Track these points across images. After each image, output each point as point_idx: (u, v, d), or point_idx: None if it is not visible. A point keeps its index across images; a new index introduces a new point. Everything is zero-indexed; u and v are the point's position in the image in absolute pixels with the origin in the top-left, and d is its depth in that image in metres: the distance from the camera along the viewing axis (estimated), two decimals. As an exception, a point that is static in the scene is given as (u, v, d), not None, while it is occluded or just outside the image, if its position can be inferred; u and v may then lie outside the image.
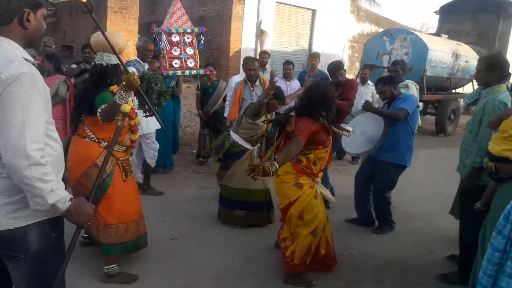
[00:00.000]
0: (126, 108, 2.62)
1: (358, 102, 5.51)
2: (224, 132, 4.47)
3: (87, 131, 2.99)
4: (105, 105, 2.81)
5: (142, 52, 4.75)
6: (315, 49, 11.49)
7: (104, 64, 3.02)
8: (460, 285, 3.22)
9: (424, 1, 48.49)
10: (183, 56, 4.99)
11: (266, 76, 6.57)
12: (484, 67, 3.19)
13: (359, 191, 4.41)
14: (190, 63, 5.05)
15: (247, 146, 4.14)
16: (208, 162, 5.37)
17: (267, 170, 2.63)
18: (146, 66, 4.81)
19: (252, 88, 5.05)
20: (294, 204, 3.17)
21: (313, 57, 7.08)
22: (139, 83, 2.73)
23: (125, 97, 2.70)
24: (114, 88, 2.97)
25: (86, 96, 3.00)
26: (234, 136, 4.14)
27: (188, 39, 5.03)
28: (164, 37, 4.89)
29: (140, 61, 4.74)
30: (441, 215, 4.56)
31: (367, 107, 4.10)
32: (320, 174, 3.38)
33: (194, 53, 5.10)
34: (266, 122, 4.09)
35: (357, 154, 4.31)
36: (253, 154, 4.18)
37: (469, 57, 11.28)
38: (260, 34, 10.58)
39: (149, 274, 3.19)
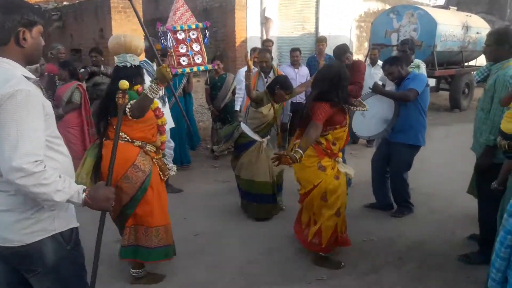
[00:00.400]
0: (124, 85, 2.41)
1: (369, 83, 5.46)
2: (235, 123, 4.49)
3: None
4: (134, 101, 2.76)
5: (149, 53, 4.78)
6: (321, 32, 11.34)
7: (128, 65, 2.96)
8: (483, 265, 3.23)
9: (430, -29, 47.10)
10: (190, 53, 4.99)
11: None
12: (493, 42, 3.13)
13: (376, 175, 4.41)
14: (198, 59, 5.05)
15: (256, 137, 4.14)
16: (216, 149, 5.44)
17: (293, 158, 2.81)
18: (155, 66, 4.83)
19: (266, 79, 5.05)
20: (317, 186, 3.22)
21: (320, 41, 6.99)
22: (171, 75, 2.74)
23: (156, 91, 2.68)
24: (138, 87, 2.96)
25: (111, 98, 2.84)
26: (243, 127, 4.18)
27: (193, 35, 5.02)
28: (169, 35, 4.89)
29: (148, 61, 4.77)
30: (461, 195, 4.51)
31: (375, 89, 4.07)
32: (340, 154, 3.43)
33: (200, 48, 5.10)
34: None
35: (369, 137, 4.31)
36: (262, 146, 4.17)
37: (480, 28, 11.02)
38: (265, 21, 10.48)
39: (175, 273, 3.26)
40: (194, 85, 9.99)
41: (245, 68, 5.74)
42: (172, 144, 5.03)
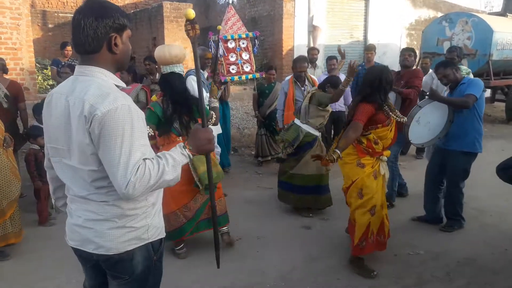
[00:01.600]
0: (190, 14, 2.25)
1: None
2: (293, 125, 4.56)
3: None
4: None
5: (201, 61, 4.96)
6: (370, 40, 11.20)
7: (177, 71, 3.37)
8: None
9: (487, -23, 45.06)
10: (239, 62, 5.14)
11: (317, 73, 6.56)
12: None
13: (429, 186, 4.28)
14: (246, 68, 5.19)
15: (317, 133, 4.47)
16: (281, 155, 5.63)
17: (331, 159, 3.04)
18: (206, 74, 5.01)
19: (303, 88, 5.10)
20: (354, 182, 3.33)
21: (368, 50, 6.88)
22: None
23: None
24: (154, 97, 3.28)
25: (188, 100, 3.42)
26: (305, 127, 4.40)
27: (243, 44, 5.16)
28: (221, 44, 5.06)
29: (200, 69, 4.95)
30: (516, 211, 4.32)
31: (433, 95, 3.95)
32: (386, 153, 3.46)
33: (249, 57, 5.23)
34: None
35: (422, 145, 4.20)
36: (320, 140, 4.53)
37: (541, 35, 10.41)
38: (313, 29, 10.51)
39: (217, 275, 3.32)
40: (240, 93, 10.20)
41: (288, 78, 5.83)
42: (219, 149, 5.17)
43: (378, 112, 3.24)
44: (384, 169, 3.41)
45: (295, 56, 10.35)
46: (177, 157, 1.60)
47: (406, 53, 4.93)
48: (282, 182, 4.67)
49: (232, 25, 5.08)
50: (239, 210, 4.71)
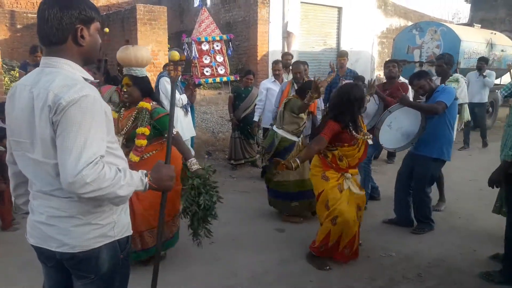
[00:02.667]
0: (175, 55, 2.35)
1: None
2: (270, 133, 4.59)
3: None
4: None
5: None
6: (343, 47, 11.40)
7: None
8: (505, 285, 3.15)
9: (454, -10, 46.86)
10: (214, 64, 5.11)
11: (290, 77, 6.58)
12: None
13: (399, 189, 4.34)
14: (221, 70, 5.16)
15: (295, 138, 4.39)
16: (262, 163, 5.60)
17: (288, 165, 3.11)
18: (179, 77, 4.96)
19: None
20: (321, 194, 3.45)
21: (341, 56, 6.99)
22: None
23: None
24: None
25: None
26: (281, 132, 4.38)
27: (217, 46, 5.14)
28: (194, 46, 5.02)
29: (172, 71, 4.90)
30: (483, 213, 4.44)
31: (404, 100, 4.02)
32: (352, 171, 3.49)
33: (224, 60, 5.21)
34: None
35: (394, 150, 4.27)
36: (299, 144, 4.42)
37: (505, 46, 10.88)
38: (287, 35, 10.61)
39: (190, 279, 3.28)
40: (214, 97, 10.16)
41: (267, 81, 5.83)
42: (192, 152, 5.09)
43: (344, 131, 3.32)
44: (347, 185, 3.43)
45: (270, 61, 10.43)
46: (135, 178, 1.54)
47: (390, 65, 4.96)
48: (270, 189, 4.59)
49: (205, 27, 5.05)
50: (212, 214, 4.65)
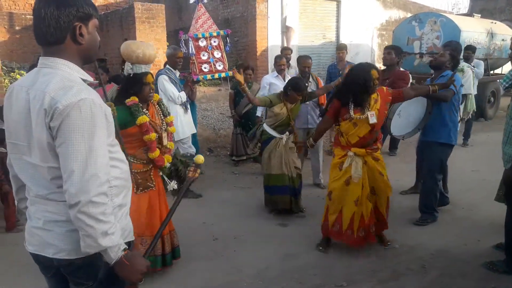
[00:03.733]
0: (199, 159, 2.31)
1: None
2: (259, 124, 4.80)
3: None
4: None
5: (172, 60, 4.90)
6: (342, 40, 11.33)
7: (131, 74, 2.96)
8: (509, 274, 3.14)
9: (453, -20, 46.47)
10: (212, 60, 5.08)
11: (290, 72, 6.58)
12: None
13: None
14: (219, 66, 5.13)
15: (274, 133, 4.39)
16: (249, 149, 5.68)
17: (304, 143, 3.62)
18: (177, 73, 4.94)
19: (307, 84, 5.11)
20: (332, 182, 3.59)
21: (340, 49, 6.96)
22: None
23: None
24: (130, 100, 2.92)
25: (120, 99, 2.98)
26: (264, 126, 4.50)
27: (214, 42, 5.10)
28: (191, 43, 4.99)
29: (171, 68, 4.89)
30: (486, 203, 4.42)
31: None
32: (356, 150, 3.47)
33: (222, 55, 5.17)
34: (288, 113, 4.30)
35: (403, 137, 4.29)
36: (281, 142, 4.34)
37: (506, 35, 10.79)
38: (286, 30, 10.56)
39: (193, 275, 3.28)
40: (215, 94, 10.14)
41: (269, 75, 5.81)
42: (193, 150, 5.09)
43: (342, 108, 3.46)
44: (348, 163, 3.47)
45: (269, 56, 10.38)
46: (116, 241, 1.45)
47: (386, 51, 5.01)
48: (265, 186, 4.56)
49: (202, 23, 5.02)
50: (215, 211, 4.66)
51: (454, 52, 4.82)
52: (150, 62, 3.05)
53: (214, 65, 5.08)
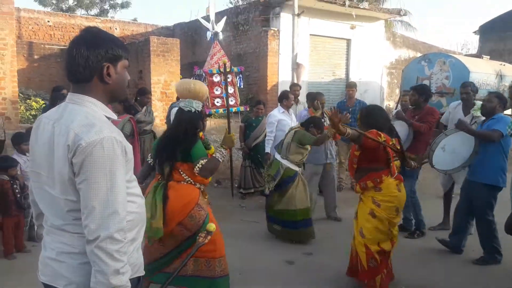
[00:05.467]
0: (211, 227, 2.39)
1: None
2: (274, 162, 4.79)
3: (182, 175, 3.03)
4: (206, 160, 2.95)
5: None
6: (352, 78, 11.52)
7: (192, 110, 3.07)
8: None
9: (462, 21, 47.58)
10: (224, 95, 5.21)
11: (299, 108, 6.68)
12: None
13: (457, 220, 4.40)
14: (231, 101, 5.26)
15: (297, 168, 4.64)
16: (266, 191, 5.75)
17: (341, 130, 3.20)
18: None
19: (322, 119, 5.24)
20: None
21: (350, 87, 7.07)
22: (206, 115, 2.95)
23: (225, 155, 3.01)
24: (201, 135, 3.19)
25: (177, 143, 3.02)
26: (285, 162, 4.62)
27: (228, 78, 5.25)
28: (205, 77, 5.14)
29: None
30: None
31: (460, 125, 4.10)
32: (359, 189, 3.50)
33: (234, 91, 5.31)
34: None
35: (446, 172, 4.33)
36: (300, 175, 4.67)
37: (515, 77, 10.90)
38: (296, 67, 10.78)
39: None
40: (225, 126, 10.25)
41: (276, 111, 5.91)
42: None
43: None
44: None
45: (279, 92, 10.54)
46: (125, 281, 1.47)
47: (410, 94, 5.20)
48: (270, 216, 4.80)
49: (217, 60, 5.20)
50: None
51: (473, 92, 4.99)
52: (202, 95, 3.20)
53: (227, 100, 5.20)
